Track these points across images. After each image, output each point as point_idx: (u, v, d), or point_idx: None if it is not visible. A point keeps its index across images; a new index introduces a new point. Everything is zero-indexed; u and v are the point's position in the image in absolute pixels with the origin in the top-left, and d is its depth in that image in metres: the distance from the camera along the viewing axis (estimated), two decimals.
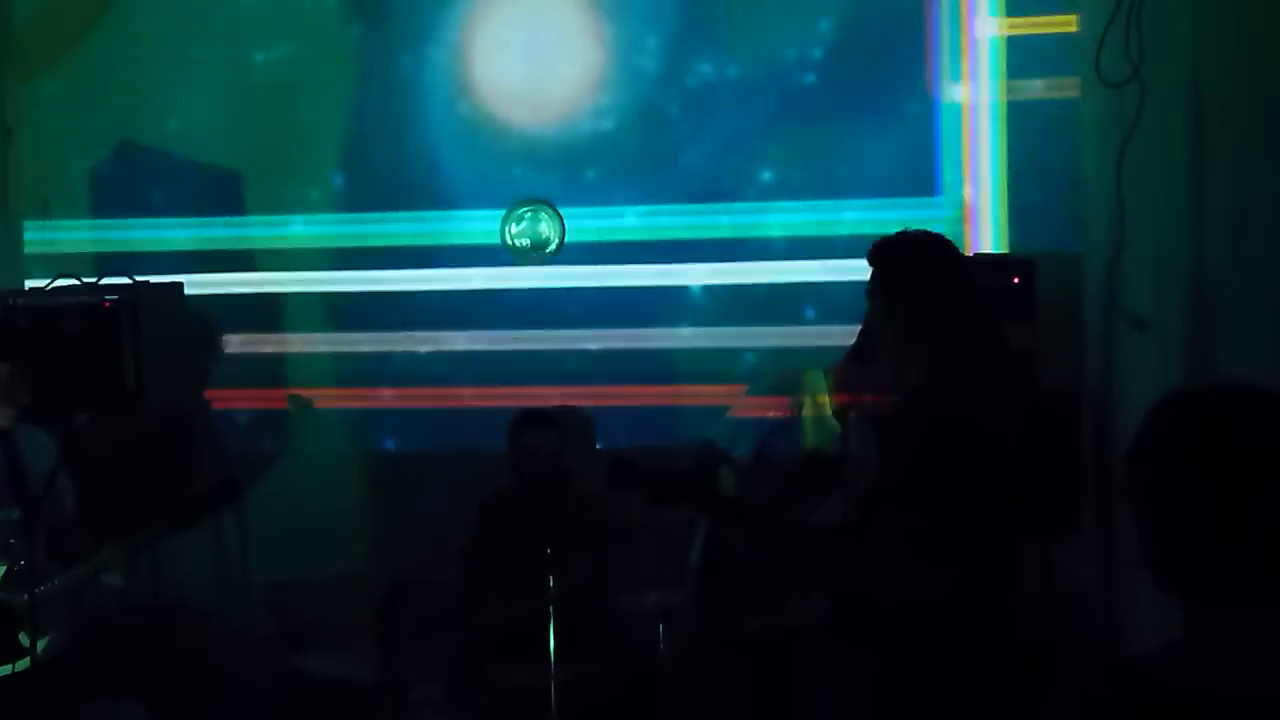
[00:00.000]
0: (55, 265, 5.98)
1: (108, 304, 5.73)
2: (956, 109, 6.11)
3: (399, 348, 6.39)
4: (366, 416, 6.44)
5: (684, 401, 6.26)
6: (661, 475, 3.78)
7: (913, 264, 3.58)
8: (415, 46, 6.35)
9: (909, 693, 3.50)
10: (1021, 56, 6.07)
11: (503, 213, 6.28)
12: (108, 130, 6.45)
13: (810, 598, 4.23)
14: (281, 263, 6.43)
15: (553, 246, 6.27)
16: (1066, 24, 5.93)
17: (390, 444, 6.45)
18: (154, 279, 5.99)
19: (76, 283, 5.83)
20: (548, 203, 6.27)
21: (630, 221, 6.29)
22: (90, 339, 5.67)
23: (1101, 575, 5.32)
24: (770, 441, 6.03)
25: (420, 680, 5.27)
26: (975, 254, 5.85)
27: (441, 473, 6.23)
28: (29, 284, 6.01)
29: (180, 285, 6.18)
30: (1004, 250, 5.98)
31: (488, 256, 6.30)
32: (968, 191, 6.08)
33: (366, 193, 6.41)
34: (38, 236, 6.46)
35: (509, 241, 6.28)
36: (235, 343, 6.40)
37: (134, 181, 6.43)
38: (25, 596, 4.49)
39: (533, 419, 5.92)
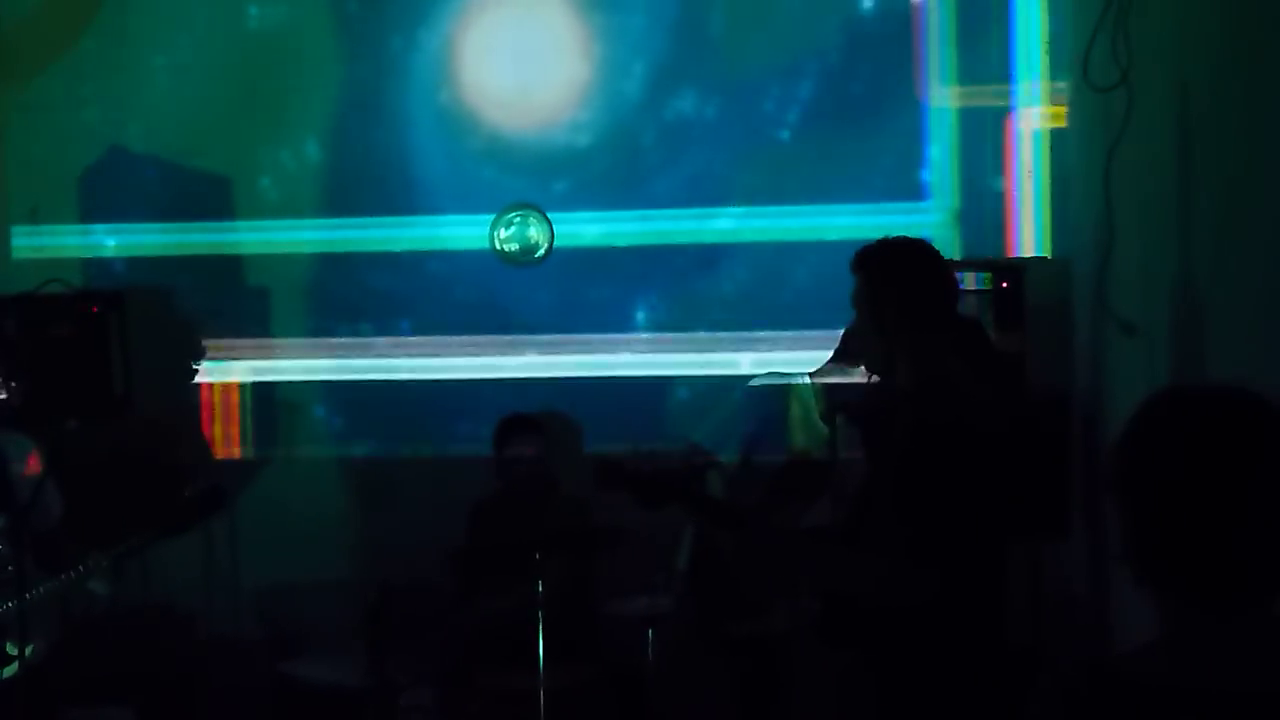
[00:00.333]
0: (43, 271, 5.97)
1: (95, 309, 5.72)
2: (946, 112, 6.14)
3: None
4: (357, 421, 6.44)
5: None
6: (648, 476, 3.79)
7: (896, 270, 3.59)
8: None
9: (898, 696, 3.50)
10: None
11: (491, 217, 6.28)
12: (96, 135, 6.43)
13: (799, 601, 4.23)
14: (269, 266, 6.42)
15: (541, 251, 6.27)
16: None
17: (378, 449, 6.43)
18: (141, 284, 6.00)
19: (64, 288, 5.82)
20: (536, 207, 6.26)
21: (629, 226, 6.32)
22: (78, 344, 5.66)
23: (1090, 578, 5.32)
24: (757, 445, 6.03)
25: (409, 685, 5.26)
26: (964, 258, 5.85)
27: (429, 478, 6.23)
28: (16, 290, 5.98)
29: (169, 290, 6.17)
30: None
31: (476, 261, 6.30)
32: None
33: (352, 197, 6.41)
34: (25, 242, 6.44)
35: (498, 246, 6.28)
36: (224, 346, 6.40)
37: (122, 186, 6.41)
38: (11, 604, 4.47)
39: (517, 426, 5.89)
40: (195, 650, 6.15)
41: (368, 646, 4.95)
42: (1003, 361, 4.93)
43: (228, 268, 6.42)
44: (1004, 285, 5.19)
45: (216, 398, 6.43)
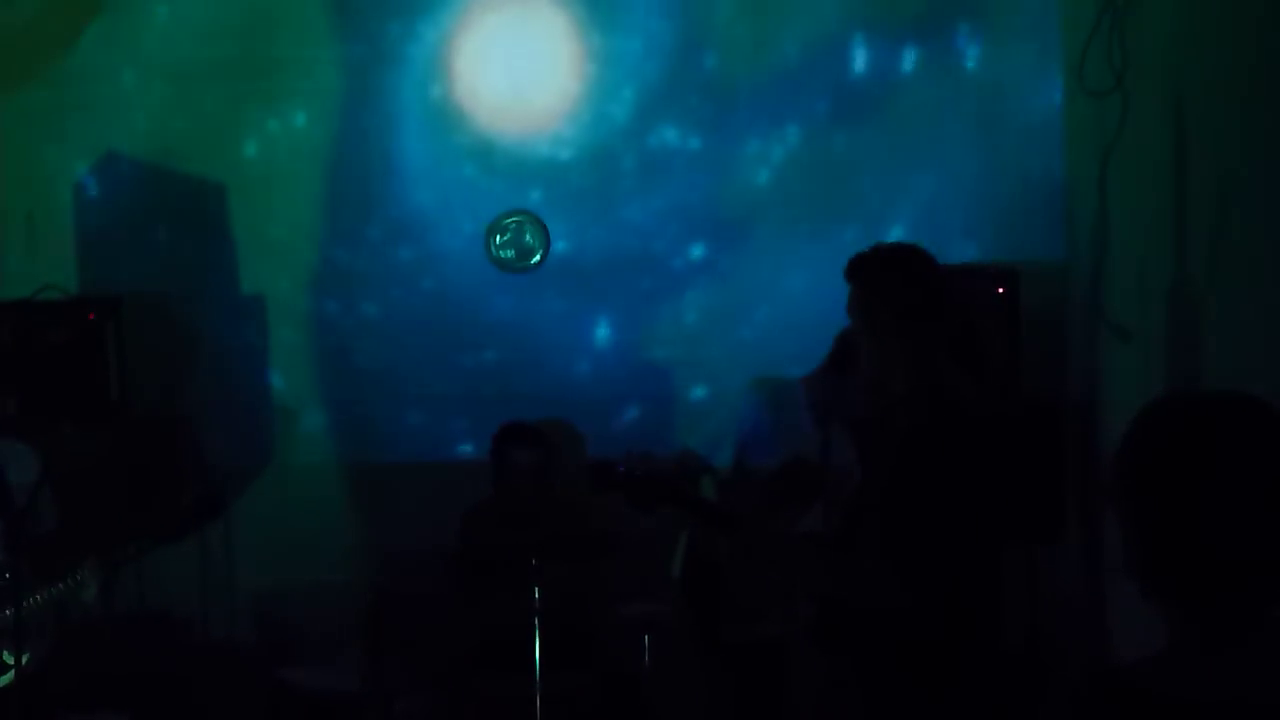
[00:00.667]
0: (39, 277, 5.96)
1: (92, 315, 5.72)
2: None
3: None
4: (353, 427, 6.44)
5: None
6: (642, 479, 3.79)
7: (890, 277, 3.59)
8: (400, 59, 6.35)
9: (892, 701, 3.51)
10: None
11: (487, 224, 6.27)
12: (92, 141, 6.42)
13: (793, 606, 4.23)
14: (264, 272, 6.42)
15: (537, 258, 6.27)
16: None
17: (377, 455, 6.42)
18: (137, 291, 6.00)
19: (60, 294, 5.82)
20: (532, 214, 6.26)
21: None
22: (74, 351, 5.66)
23: (1086, 584, 5.31)
24: (751, 451, 6.02)
25: (405, 691, 5.26)
26: (960, 264, 5.84)
27: (426, 483, 6.21)
28: (13, 296, 5.97)
29: (164, 296, 6.18)
30: None
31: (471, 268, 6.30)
32: None
33: (349, 203, 6.41)
34: (21, 249, 6.43)
35: (494, 253, 6.27)
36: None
37: (118, 193, 6.40)
38: (9, 611, 4.47)
39: (518, 435, 5.81)
40: (192, 656, 6.15)
41: (364, 652, 4.95)
42: (997, 367, 4.94)
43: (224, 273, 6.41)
44: (999, 290, 5.19)
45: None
